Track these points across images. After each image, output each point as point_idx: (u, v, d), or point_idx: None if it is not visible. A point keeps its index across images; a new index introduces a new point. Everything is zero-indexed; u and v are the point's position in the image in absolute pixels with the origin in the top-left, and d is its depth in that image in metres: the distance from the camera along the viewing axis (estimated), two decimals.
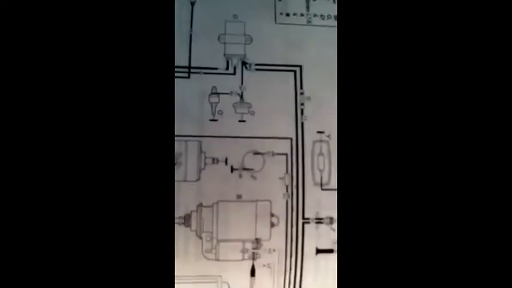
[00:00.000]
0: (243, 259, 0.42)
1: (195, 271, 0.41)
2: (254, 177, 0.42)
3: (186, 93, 0.41)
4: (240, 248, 0.42)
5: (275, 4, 0.45)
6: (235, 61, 0.43)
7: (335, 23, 0.45)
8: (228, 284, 0.42)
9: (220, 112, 0.42)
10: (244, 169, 0.42)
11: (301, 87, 0.43)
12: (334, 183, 0.43)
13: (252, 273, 0.42)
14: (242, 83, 0.43)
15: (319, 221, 0.43)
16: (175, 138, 0.41)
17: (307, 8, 0.45)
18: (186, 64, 0.42)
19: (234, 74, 0.43)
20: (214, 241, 0.41)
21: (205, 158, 0.42)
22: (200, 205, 0.41)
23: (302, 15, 0.45)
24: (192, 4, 0.44)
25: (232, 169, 0.42)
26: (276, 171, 0.43)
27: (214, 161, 0.42)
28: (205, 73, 0.43)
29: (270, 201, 0.42)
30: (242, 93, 0.43)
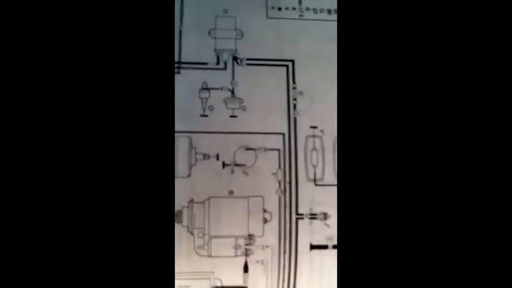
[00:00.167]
0: (236, 255, 0.42)
1: (188, 267, 0.41)
2: (246, 173, 0.41)
3: (176, 88, 0.40)
4: (232, 244, 0.41)
5: None
6: (226, 56, 0.43)
7: (328, 17, 0.45)
8: (221, 281, 0.41)
9: (211, 107, 0.42)
10: (236, 165, 0.42)
11: (294, 82, 0.43)
12: (327, 179, 0.43)
13: (245, 269, 0.41)
14: (233, 78, 0.42)
15: (313, 216, 0.42)
16: None
17: (299, 1, 0.45)
18: (177, 59, 0.42)
19: (225, 69, 0.43)
20: (206, 237, 0.41)
21: (196, 153, 0.41)
22: (191, 201, 0.41)
23: (294, 9, 0.45)
24: None
25: (223, 165, 0.42)
26: (268, 166, 0.42)
27: (205, 156, 0.41)
28: (195, 68, 0.42)
29: (262, 197, 0.42)
30: (233, 88, 0.42)
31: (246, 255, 0.41)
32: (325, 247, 0.42)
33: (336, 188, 0.42)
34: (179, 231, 0.41)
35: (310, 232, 0.42)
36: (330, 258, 0.42)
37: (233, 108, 0.42)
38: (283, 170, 0.42)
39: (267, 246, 0.42)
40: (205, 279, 0.41)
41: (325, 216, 0.42)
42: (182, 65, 0.42)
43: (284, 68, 0.43)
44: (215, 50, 0.43)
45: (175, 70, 0.42)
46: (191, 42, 0.42)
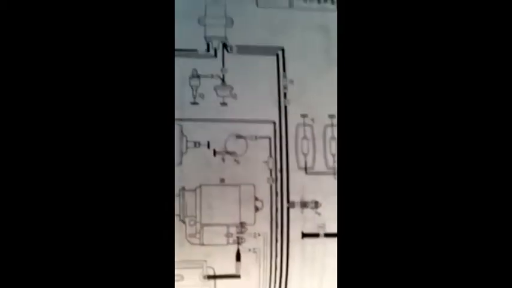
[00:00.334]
0: (228, 243, 0.41)
1: (180, 256, 0.40)
2: (237, 161, 0.41)
3: None
4: (224, 233, 0.41)
5: None
6: (215, 44, 0.43)
7: (318, 6, 0.45)
8: (213, 269, 0.41)
9: (201, 95, 0.42)
10: (227, 153, 0.41)
11: (284, 70, 0.43)
12: (318, 167, 0.43)
13: (238, 258, 0.41)
14: (223, 66, 0.42)
15: (304, 205, 0.42)
16: None
17: None
18: None
19: (215, 56, 0.42)
20: (198, 225, 0.41)
21: (187, 141, 0.41)
22: (183, 189, 0.41)
23: None
24: None
25: (214, 153, 0.42)
26: (259, 155, 0.42)
27: (196, 144, 0.41)
28: (185, 56, 0.42)
29: (253, 185, 0.42)
30: (224, 76, 0.42)
31: (238, 243, 0.41)
32: (316, 235, 0.42)
33: (326, 176, 0.43)
34: None
35: (302, 220, 0.42)
36: (322, 246, 0.42)
37: (224, 96, 0.42)
38: (274, 158, 0.42)
39: (259, 235, 0.42)
40: (198, 268, 0.41)
41: (316, 204, 0.42)
42: None
43: (274, 56, 0.43)
44: (205, 37, 0.43)
45: None
46: (181, 29, 0.42)
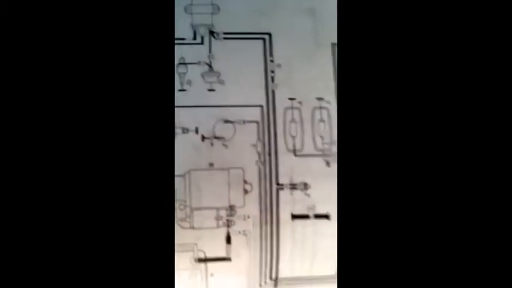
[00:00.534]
0: (218, 226, 0.42)
1: None
2: (225, 146, 0.42)
3: None
4: (214, 216, 0.42)
5: None
6: (202, 31, 0.43)
7: None
8: (204, 252, 0.42)
9: (188, 82, 0.42)
10: (215, 137, 0.42)
11: (271, 55, 0.43)
12: (307, 149, 0.44)
13: (228, 240, 0.42)
14: (210, 52, 0.43)
15: (293, 187, 0.43)
16: None
17: None
18: None
19: (202, 43, 0.43)
20: (188, 209, 0.42)
21: (176, 127, 0.42)
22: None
23: None
24: None
25: (203, 138, 0.42)
26: (247, 139, 0.43)
27: (185, 130, 0.42)
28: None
29: (242, 168, 0.42)
30: (211, 62, 0.43)
31: (228, 226, 0.42)
32: (306, 217, 0.43)
33: (315, 158, 0.43)
34: None
35: (291, 202, 0.43)
36: (312, 227, 0.43)
37: (211, 82, 0.43)
38: (262, 141, 0.43)
39: (249, 217, 0.42)
40: (189, 251, 0.42)
41: (305, 186, 0.43)
42: None
43: (261, 41, 0.44)
44: (192, 25, 0.43)
45: None
46: None
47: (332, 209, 0.43)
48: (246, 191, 0.42)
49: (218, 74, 0.42)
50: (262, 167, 0.43)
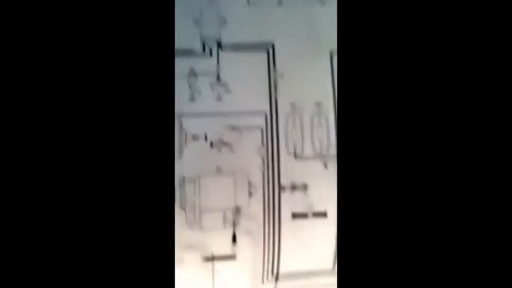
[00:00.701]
0: (225, 227, 0.45)
1: (181, 241, 0.44)
2: (232, 151, 0.44)
3: None
4: (221, 217, 0.44)
5: None
6: (211, 43, 0.45)
7: (305, 2, 0.47)
8: (212, 251, 0.45)
9: (198, 92, 0.44)
10: (223, 143, 0.44)
11: (274, 65, 0.46)
12: (307, 153, 0.46)
13: (234, 239, 0.45)
14: (218, 64, 0.45)
15: (294, 188, 0.45)
16: None
17: None
18: None
19: (211, 55, 0.45)
20: (197, 212, 0.44)
21: (186, 135, 0.44)
22: (183, 179, 0.44)
23: None
24: None
25: (211, 144, 0.44)
26: (252, 144, 0.45)
27: (195, 137, 0.44)
28: (182, 56, 0.44)
29: (247, 172, 0.45)
30: (218, 73, 0.45)
31: (234, 226, 0.45)
32: (305, 215, 0.46)
33: (314, 161, 0.46)
34: None
35: (292, 202, 0.45)
36: (311, 225, 0.46)
37: (219, 92, 0.45)
38: (266, 146, 0.45)
39: (253, 218, 0.45)
40: (197, 251, 0.44)
41: (304, 187, 0.45)
42: None
43: (265, 52, 0.46)
44: (201, 37, 0.45)
45: None
46: (178, 31, 0.44)
47: (329, 207, 0.46)
48: (250, 194, 0.45)
49: (225, 84, 0.45)
50: (265, 170, 0.45)
